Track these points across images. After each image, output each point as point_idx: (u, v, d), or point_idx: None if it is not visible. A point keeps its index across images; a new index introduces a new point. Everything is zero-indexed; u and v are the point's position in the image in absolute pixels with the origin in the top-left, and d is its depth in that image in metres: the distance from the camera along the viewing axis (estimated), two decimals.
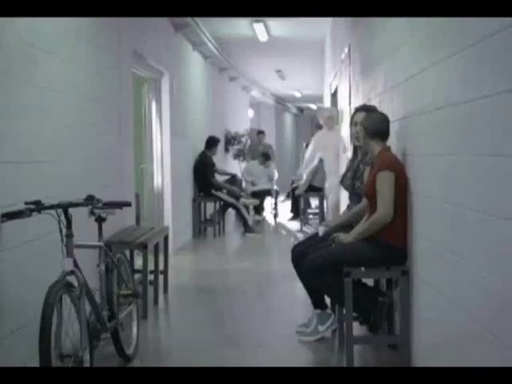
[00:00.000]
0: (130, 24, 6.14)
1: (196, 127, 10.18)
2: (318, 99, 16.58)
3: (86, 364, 3.16)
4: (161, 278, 5.76)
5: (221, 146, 11.58)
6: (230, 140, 13.49)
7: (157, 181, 8.19)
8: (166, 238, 6.00)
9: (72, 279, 3.13)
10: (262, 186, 11.94)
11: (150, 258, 5.31)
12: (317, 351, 4.27)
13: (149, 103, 8.08)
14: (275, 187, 12.38)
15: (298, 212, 11.71)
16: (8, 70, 3.27)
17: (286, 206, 12.99)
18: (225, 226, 10.55)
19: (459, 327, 2.85)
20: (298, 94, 20.51)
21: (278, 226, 11.57)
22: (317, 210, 11.73)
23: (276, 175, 12.49)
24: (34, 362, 3.20)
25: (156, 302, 5.50)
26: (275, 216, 12.14)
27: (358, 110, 4.54)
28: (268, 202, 12.52)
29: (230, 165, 13.20)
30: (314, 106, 24.64)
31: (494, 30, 2.31)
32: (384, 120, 3.98)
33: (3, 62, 3.21)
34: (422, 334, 3.61)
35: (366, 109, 4.41)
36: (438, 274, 3.24)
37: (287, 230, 10.99)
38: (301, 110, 27.77)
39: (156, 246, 5.58)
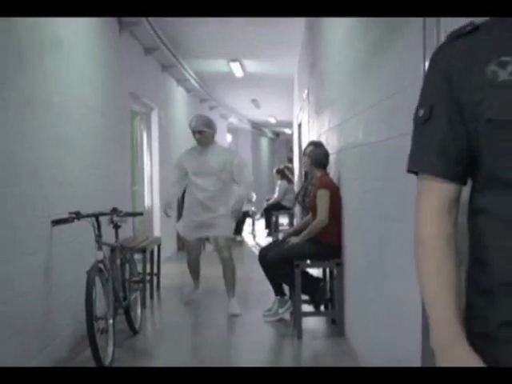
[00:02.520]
0: (128, 70, 7.52)
1: (181, 153, 11.49)
2: (292, 125, 18.00)
3: (110, 327, 4.49)
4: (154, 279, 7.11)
5: None
6: None
7: (147, 201, 9.53)
8: (158, 247, 7.34)
9: (101, 266, 4.47)
10: None
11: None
12: (277, 327, 5.63)
13: (140, 133, 9.42)
14: (253, 208, 13.56)
15: (271, 228, 13.02)
16: (50, 118, 4.57)
17: (261, 225, 14.23)
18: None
19: (374, 303, 4.07)
20: (272, 120, 21.94)
21: (256, 244, 12.74)
22: (287, 227, 13.09)
23: (254, 197, 13.69)
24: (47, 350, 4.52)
25: (151, 297, 6.86)
26: (254, 236, 13.26)
27: (308, 144, 5.95)
28: (247, 223, 13.61)
29: None
30: (288, 131, 26.09)
31: (384, 97, 3.62)
32: (326, 154, 5.42)
33: (51, 113, 4.54)
34: (351, 309, 4.98)
35: (314, 144, 5.83)
36: (358, 264, 4.62)
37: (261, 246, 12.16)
38: (277, 134, 29.21)
39: (151, 252, 6.93)
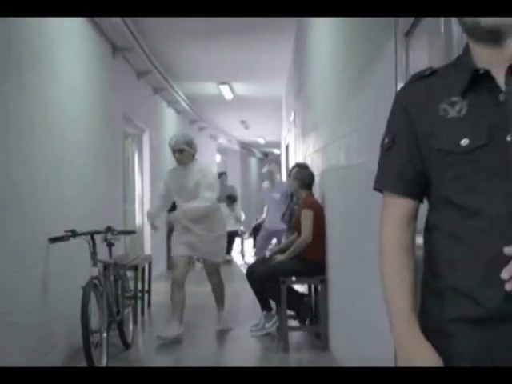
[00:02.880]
0: (121, 93, 7.77)
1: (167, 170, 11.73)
2: (280, 145, 18.28)
3: (104, 341, 4.69)
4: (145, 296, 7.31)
5: None
6: None
7: (138, 220, 9.74)
8: (149, 264, 7.56)
9: (96, 282, 4.68)
10: (230, 227, 13.20)
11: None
12: (263, 341, 5.85)
13: (132, 154, 9.66)
14: (242, 228, 13.67)
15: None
16: (47, 138, 4.81)
17: (250, 244, 14.44)
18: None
19: (357, 318, 4.31)
20: (261, 141, 22.24)
21: (245, 263, 12.93)
22: (275, 247, 13.26)
23: (243, 217, 13.89)
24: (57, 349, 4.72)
25: (142, 313, 7.06)
26: (243, 255, 13.43)
27: (294, 166, 6.20)
28: (236, 243, 13.77)
29: None
30: (277, 151, 26.40)
31: (363, 124, 3.90)
32: (311, 176, 5.69)
33: (47, 133, 4.77)
34: (335, 324, 5.20)
35: (300, 165, 6.08)
36: (341, 280, 4.85)
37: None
38: (265, 154, 29.48)
39: (143, 270, 7.14)
